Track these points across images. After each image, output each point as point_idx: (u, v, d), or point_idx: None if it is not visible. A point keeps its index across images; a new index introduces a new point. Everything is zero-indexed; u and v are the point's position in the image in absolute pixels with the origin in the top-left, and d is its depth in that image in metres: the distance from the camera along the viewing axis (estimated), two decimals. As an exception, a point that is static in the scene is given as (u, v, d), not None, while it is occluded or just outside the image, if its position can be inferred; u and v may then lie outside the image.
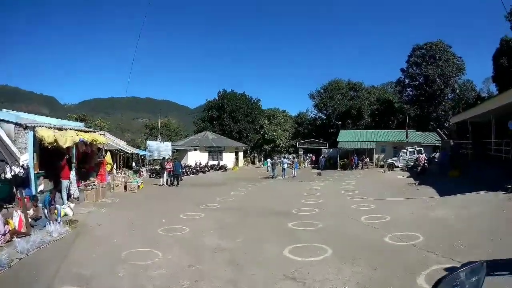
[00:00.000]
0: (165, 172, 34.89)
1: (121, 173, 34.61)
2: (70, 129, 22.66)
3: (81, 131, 24.42)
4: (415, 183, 29.33)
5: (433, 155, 48.11)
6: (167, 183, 34.60)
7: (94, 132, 27.92)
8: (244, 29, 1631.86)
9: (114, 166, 35.28)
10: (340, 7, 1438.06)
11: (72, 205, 19.10)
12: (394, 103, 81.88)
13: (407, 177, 36.03)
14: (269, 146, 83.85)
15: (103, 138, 27.45)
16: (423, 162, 38.16)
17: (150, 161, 49.25)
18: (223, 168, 57.16)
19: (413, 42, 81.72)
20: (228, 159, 63.72)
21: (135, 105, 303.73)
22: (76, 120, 65.17)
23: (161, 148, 49.90)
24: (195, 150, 59.59)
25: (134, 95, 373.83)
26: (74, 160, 22.55)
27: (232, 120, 79.31)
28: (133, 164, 42.41)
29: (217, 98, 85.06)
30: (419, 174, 35.94)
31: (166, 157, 40.36)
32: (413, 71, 74.78)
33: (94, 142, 24.95)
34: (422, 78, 73.33)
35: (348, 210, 18.84)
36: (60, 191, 20.21)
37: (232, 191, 28.88)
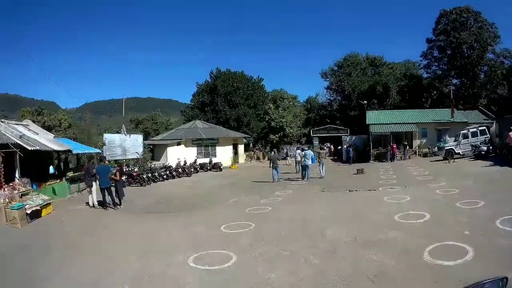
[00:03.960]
0: (94, 184, 19.49)
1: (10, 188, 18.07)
2: None
3: None
4: None
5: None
6: (101, 203, 19.46)
7: None
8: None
9: (17, 175, 20.27)
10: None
11: None
12: (423, 79, 68.31)
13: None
14: (277, 135, 68.16)
15: None
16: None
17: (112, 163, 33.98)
18: (216, 167, 41.67)
19: (431, 12, 68.24)
20: (223, 154, 47.78)
21: (136, 105, 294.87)
22: (33, 114, 55.45)
23: (126, 144, 36.01)
24: (178, 144, 44.19)
25: (136, 95, 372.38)
26: None
27: (228, 104, 61.99)
28: (50, 168, 26.23)
29: (209, 80, 67.31)
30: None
31: (103, 158, 23.67)
32: (444, 39, 62.02)
33: None
34: (450, 50, 62.00)
35: None
36: None
37: (205, 242, 12.00)
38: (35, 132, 26.18)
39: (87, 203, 19.69)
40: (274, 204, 17.92)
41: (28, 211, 15.97)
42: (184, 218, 16.41)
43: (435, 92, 66.17)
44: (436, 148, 42.02)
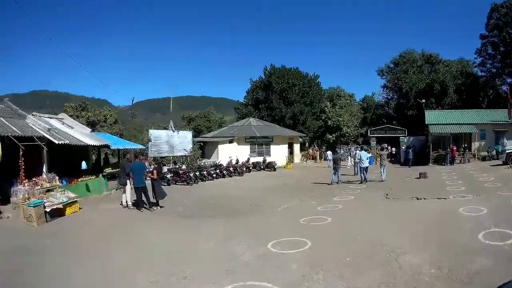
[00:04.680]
0: (128, 182, 17.73)
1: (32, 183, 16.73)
2: None
3: None
4: None
5: None
6: (135, 204, 17.61)
7: None
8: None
9: (45, 170, 18.91)
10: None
11: None
12: (479, 78, 63.98)
13: None
14: (333, 135, 64.57)
15: None
16: None
17: (158, 160, 33.82)
18: (270, 166, 39.16)
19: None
20: (278, 153, 45.32)
21: (190, 103, 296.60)
22: (76, 109, 56.36)
23: (174, 140, 34.65)
24: (231, 142, 41.89)
25: (190, 94, 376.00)
26: None
27: (284, 101, 58.91)
28: (83, 164, 24.17)
29: (263, 77, 64.08)
30: None
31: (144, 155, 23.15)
32: (496, 34, 57.67)
33: None
34: (503, 46, 57.29)
35: None
36: None
37: (245, 267, 9.02)
38: (70, 126, 24.68)
39: (122, 203, 17.87)
40: (334, 214, 15.04)
41: (48, 209, 14.69)
42: (225, 227, 13.53)
43: (491, 91, 62.46)
44: (494, 151, 39.01)
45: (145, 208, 16.98)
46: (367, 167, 26.11)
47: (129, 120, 74.31)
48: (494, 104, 54.58)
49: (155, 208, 17.12)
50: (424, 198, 17.17)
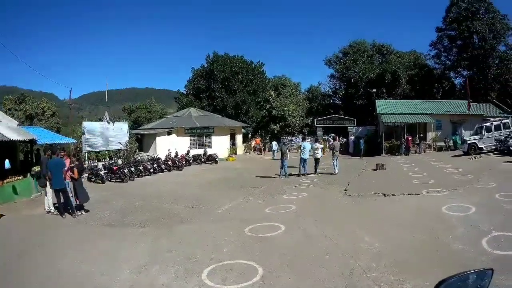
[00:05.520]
0: (48, 183, 15.10)
1: None
2: None
3: None
4: None
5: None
6: (59, 209, 14.76)
7: None
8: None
9: None
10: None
11: None
12: (433, 70, 64.50)
13: None
14: (278, 125, 64.11)
15: None
16: None
17: (93, 155, 33.20)
18: (211, 159, 37.74)
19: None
20: (220, 145, 44.10)
21: (134, 96, 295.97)
22: (15, 102, 51.83)
23: (109, 133, 32.51)
24: (169, 134, 39.97)
25: (133, 86, 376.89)
26: None
27: (226, 90, 57.89)
28: (6, 162, 21.29)
29: (205, 65, 63.88)
30: None
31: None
32: (455, 27, 57.88)
33: None
34: (460, 40, 58.48)
35: None
36: None
37: None
38: (-2, 120, 22.09)
39: (45, 208, 15.46)
40: (287, 218, 12.45)
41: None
42: (151, 242, 10.76)
43: (446, 83, 63.34)
44: (451, 141, 39.35)
45: (69, 213, 14.62)
46: (318, 159, 25.01)
47: (74, 114, 71.65)
48: (449, 96, 56.44)
49: (79, 213, 14.77)
50: (393, 194, 15.27)
